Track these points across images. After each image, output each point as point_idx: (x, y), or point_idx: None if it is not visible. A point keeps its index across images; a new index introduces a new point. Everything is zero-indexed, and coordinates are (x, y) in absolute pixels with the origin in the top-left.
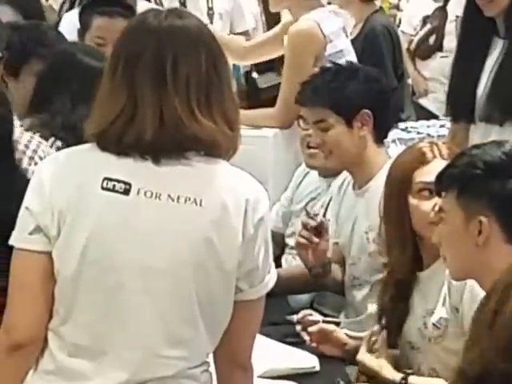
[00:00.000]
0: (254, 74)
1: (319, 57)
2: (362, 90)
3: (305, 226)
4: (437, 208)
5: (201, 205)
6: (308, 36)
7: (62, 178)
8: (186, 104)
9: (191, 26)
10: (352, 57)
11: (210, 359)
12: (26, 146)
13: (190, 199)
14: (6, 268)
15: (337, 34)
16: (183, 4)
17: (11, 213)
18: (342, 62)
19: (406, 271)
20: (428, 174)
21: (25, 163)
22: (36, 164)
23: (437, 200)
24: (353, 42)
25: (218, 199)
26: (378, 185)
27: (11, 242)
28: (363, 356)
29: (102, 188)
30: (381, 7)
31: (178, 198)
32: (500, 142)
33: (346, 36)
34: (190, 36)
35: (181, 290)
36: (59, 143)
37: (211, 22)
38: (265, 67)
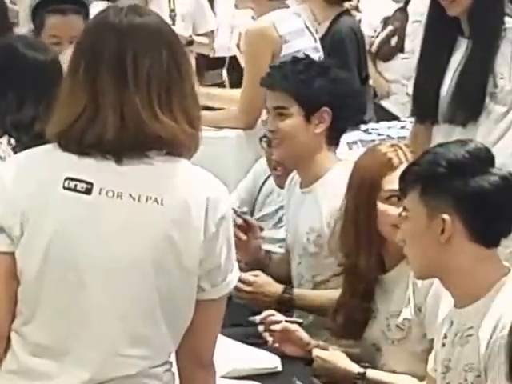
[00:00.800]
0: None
1: (276, 56)
2: (329, 89)
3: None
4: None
5: (162, 203)
6: (262, 36)
7: (24, 178)
8: (147, 102)
9: (151, 22)
10: (316, 58)
11: (173, 358)
12: None
13: (151, 198)
14: None
15: (295, 35)
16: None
17: None
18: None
19: (370, 273)
20: (396, 181)
21: None
22: None
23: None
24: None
25: (178, 198)
26: (324, 188)
27: None
28: (319, 352)
29: (64, 188)
30: (347, 9)
31: (139, 197)
32: (464, 140)
33: (313, 36)
34: (150, 33)
35: (142, 288)
36: (13, 142)
37: (173, 24)
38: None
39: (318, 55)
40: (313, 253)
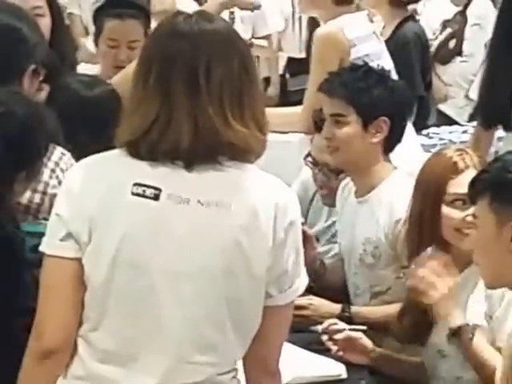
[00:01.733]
0: (287, 76)
1: (344, 61)
2: (387, 99)
3: None
4: (469, 218)
5: (230, 209)
6: (330, 40)
7: (92, 183)
8: (220, 110)
9: (221, 28)
10: (383, 61)
11: (239, 365)
12: (48, 158)
13: (219, 204)
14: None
15: (363, 39)
16: None
17: None
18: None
19: None
20: (461, 185)
21: (46, 176)
22: (57, 177)
23: (471, 210)
24: None
25: (247, 203)
26: (379, 197)
27: (42, 248)
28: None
29: (132, 193)
30: (412, 14)
31: (208, 202)
32: None
33: (381, 40)
34: (221, 39)
35: (210, 294)
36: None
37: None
38: (298, 69)
39: (385, 60)
40: (369, 264)
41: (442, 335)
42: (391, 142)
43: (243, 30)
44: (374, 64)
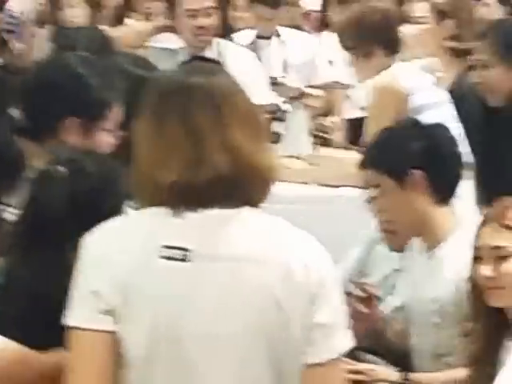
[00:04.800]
0: None
1: (401, 110)
2: (412, 150)
3: (355, 297)
4: None
5: (264, 264)
6: (386, 89)
7: (120, 249)
8: None
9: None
10: (442, 111)
11: None
12: None
13: (251, 259)
14: None
15: (419, 89)
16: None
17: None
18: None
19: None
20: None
21: None
22: None
23: None
24: None
25: (280, 259)
26: (445, 251)
27: (69, 322)
28: None
29: (161, 257)
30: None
31: (240, 258)
32: None
33: (438, 90)
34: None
35: (252, 355)
36: None
37: (285, 75)
38: None
39: (444, 109)
40: (435, 323)
41: None
42: (439, 190)
43: (296, 79)
44: (432, 113)
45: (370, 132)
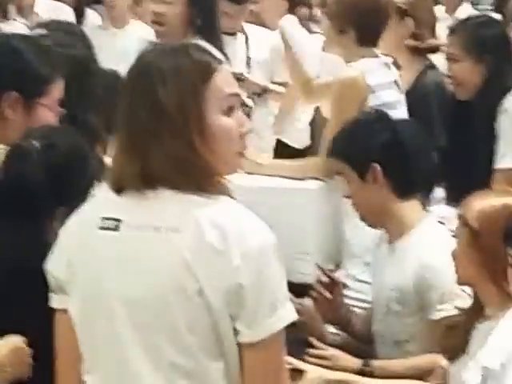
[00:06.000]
0: None
1: (362, 106)
2: (374, 144)
3: (319, 282)
4: None
5: (179, 232)
6: (351, 85)
7: (70, 230)
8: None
9: None
10: (400, 112)
11: None
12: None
13: (169, 228)
14: None
15: (383, 87)
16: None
17: None
18: None
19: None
20: None
21: None
22: None
23: None
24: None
25: (197, 228)
26: (407, 244)
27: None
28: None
29: (100, 228)
30: (433, 64)
31: (160, 228)
32: None
33: (399, 90)
34: None
35: (165, 318)
36: None
37: (249, 71)
38: None
39: (402, 110)
40: (396, 311)
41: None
42: (399, 184)
43: (260, 75)
44: (392, 112)
45: (332, 125)
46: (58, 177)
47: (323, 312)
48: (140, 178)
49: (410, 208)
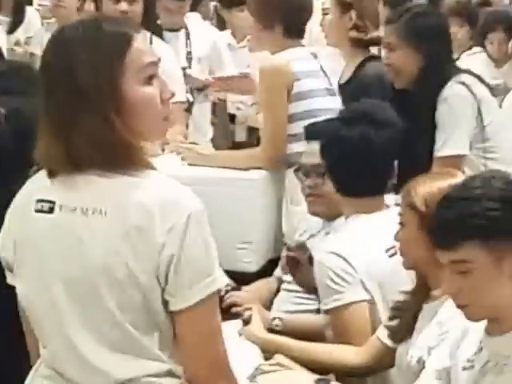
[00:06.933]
0: None
1: (289, 94)
2: (320, 144)
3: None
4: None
5: (105, 215)
6: (276, 71)
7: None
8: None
9: None
10: (329, 99)
11: None
12: None
13: (96, 210)
14: None
15: (308, 75)
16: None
17: None
18: (308, 102)
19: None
20: None
21: None
22: None
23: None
24: (344, 86)
25: (123, 208)
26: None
27: None
28: None
29: (35, 210)
30: (373, 55)
31: (87, 210)
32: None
33: (328, 79)
34: None
35: (98, 298)
36: None
37: (189, 66)
38: None
39: (331, 98)
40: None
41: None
42: (345, 188)
43: (200, 70)
44: (310, 101)
45: (266, 115)
46: (25, 138)
47: (293, 272)
48: (66, 160)
49: (350, 203)
